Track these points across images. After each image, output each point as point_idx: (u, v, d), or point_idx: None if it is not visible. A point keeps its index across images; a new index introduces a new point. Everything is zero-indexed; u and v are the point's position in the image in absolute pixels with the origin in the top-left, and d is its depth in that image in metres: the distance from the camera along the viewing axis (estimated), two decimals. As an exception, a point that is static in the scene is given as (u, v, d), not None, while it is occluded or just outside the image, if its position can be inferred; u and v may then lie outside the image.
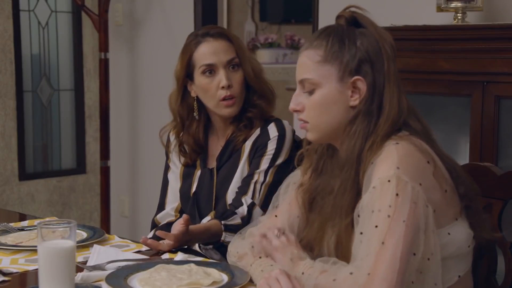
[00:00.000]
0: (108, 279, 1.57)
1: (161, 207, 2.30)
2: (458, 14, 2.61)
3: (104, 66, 4.15)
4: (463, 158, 2.47)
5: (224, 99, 2.14)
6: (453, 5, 2.61)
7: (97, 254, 1.80)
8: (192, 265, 1.63)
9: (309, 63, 1.59)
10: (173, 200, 2.28)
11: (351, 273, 1.38)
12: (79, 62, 4.60)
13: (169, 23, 4.16)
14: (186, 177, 2.25)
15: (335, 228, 1.57)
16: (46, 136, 4.57)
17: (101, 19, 4.10)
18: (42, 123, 4.54)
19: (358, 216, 1.46)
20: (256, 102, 2.19)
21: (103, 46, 4.13)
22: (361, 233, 1.42)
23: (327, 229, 1.60)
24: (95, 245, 1.88)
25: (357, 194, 1.53)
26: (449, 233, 1.50)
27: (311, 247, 1.65)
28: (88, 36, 4.59)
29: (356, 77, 1.55)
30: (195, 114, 2.21)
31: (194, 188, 2.22)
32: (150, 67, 4.31)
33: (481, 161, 2.31)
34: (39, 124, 4.52)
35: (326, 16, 3.26)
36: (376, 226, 1.39)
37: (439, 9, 2.66)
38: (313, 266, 1.48)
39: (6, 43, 4.24)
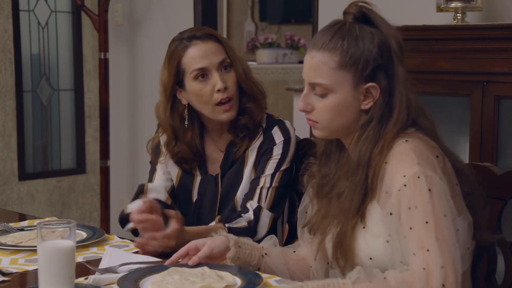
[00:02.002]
0: (120, 282, 1.56)
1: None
2: (458, 14, 2.61)
3: (104, 66, 4.15)
4: (463, 158, 2.45)
5: (220, 102, 2.05)
6: (453, 5, 2.61)
7: (109, 257, 1.78)
8: (206, 268, 1.61)
9: (323, 68, 1.55)
10: (161, 190, 2.17)
11: (423, 268, 1.38)
12: (79, 62, 4.60)
13: (169, 23, 4.16)
14: (184, 182, 2.18)
15: (338, 227, 1.57)
16: (46, 136, 4.57)
17: (100, 19, 4.10)
18: (42, 123, 4.54)
19: (391, 214, 1.46)
20: (246, 106, 2.11)
21: (103, 46, 4.13)
22: (411, 228, 1.42)
23: (331, 227, 1.60)
24: (107, 248, 1.86)
25: (364, 197, 1.53)
26: (458, 229, 1.50)
27: (314, 231, 1.66)
28: (88, 36, 4.59)
29: (370, 83, 1.54)
30: (186, 122, 2.12)
31: (195, 196, 2.16)
32: (150, 67, 4.31)
33: (481, 161, 2.30)
34: (39, 124, 4.52)
35: (326, 16, 3.26)
36: (427, 222, 1.40)
37: (439, 9, 2.66)
38: (342, 283, 1.42)
39: (6, 43, 4.24)
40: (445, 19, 2.73)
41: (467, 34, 2.48)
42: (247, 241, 1.75)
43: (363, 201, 1.53)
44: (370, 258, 1.52)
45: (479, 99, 2.41)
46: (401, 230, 1.44)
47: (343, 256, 1.56)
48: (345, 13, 1.59)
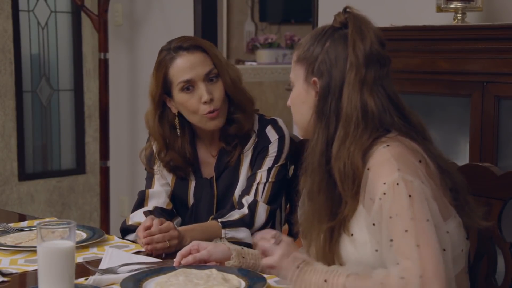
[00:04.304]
0: (124, 281, 1.56)
1: (141, 204, 2.18)
2: (458, 15, 2.61)
3: (103, 66, 4.15)
4: (463, 158, 2.47)
5: (208, 112, 2.05)
6: (453, 5, 2.61)
7: (110, 257, 1.78)
8: (214, 270, 1.62)
9: (292, 63, 1.65)
10: (162, 195, 2.17)
11: (402, 278, 1.37)
12: (78, 62, 4.60)
13: (169, 23, 4.16)
14: (179, 187, 2.18)
15: (317, 233, 1.57)
16: (46, 136, 4.57)
17: (100, 19, 4.10)
18: (42, 123, 4.54)
19: (374, 224, 1.46)
20: (234, 116, 2.10)
21: (103, 46, 4.13)
22: (391, 240, 1.41)
23: (314, 232, 1.60)
24: (107, 248, 1.87)
25: (338, 199, 1.53)
26: (447, 231, 1.50)
27: (304, 235, 1.66)
28: (87, 36, 4.59)
29: (314, 78, 1.57)
30: (177, 130, 2.11)
31: (191, 200, 2.17)
32: (150, 67, 4.26)
33: (481, 161, 2.31)
34: (38, 124, 4.52)
35: (326, 16, 3.26)
36: (406, 231, 1.39)
37: (439, 9, 2.66)
38: (336, 271, 1.45)
39: (5, 43, 4.24)
40: (445, 19, 2.73)
41: (467, 34, 2.48)
42: (251, 251, 1.76)
43: (338, 207, 1.53)
44: (362, 266, 1.52)
45: (479, 99, 2.41)
46: (386, 240, 1.43)
47: (326, 263, 1.55)
48: (334, 19, 1.62)
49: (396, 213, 1.41)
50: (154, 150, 2.17)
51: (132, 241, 1.99)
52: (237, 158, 2.13)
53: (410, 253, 1.38)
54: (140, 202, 2.17)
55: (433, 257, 1.37)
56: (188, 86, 2.05)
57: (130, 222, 2.10)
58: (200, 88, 2.05)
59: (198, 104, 2.05)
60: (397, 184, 1.42)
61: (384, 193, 1.43)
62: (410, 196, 1.41)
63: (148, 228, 1.88)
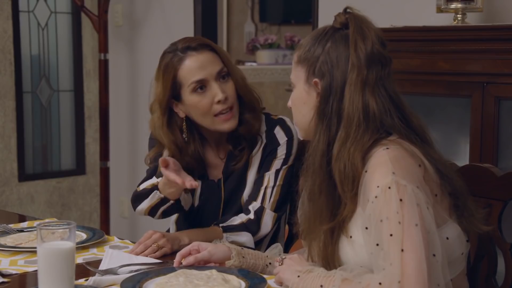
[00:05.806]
0: (124, 282, 1.56)
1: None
2: (458, 15, 2.61)
3: (103, 67, 4.15)
4: (463, 159, 2.47)
5: (221, 113, 2.01)
6: (453, 6, 2.61)
7: (110, 258, 1.79)
8: (214, 271, 1.62)
9: (292, 64, 1.65)
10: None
11: (380, 284, 1.37)
12: (78, 63, 4.60)
13: (169, 23, 4.16)
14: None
15: (317, 234, 1.57)
16: (46, 137, 4.57)
17: (100, 20, 4.10)
18: (42, 124, 4.54)
19: (366, 228, 1.46)
20: (244, 116, 2.06)
21: (103, 46, 4.13)
22: (377, 244, 1.41)
23: (315, 234, 1.60)
24: (107, 249, 1.87)
25: (338, 200, 1.53)
26: (447, 238, 1.49)
27: (304, 236, 1.66)
28: (87, 37, 4.59)
29: (315, 79, 1.57)
30: (184, 136, 2.05)
31: (196, 201, 2.14)
32: (150, 68, 4.27)
33: (481, 162, 2.30)
34: (38, 125, 4.52)
35: (326, 17, 3.25)
36: (391, 235, 1.39)
37: (439, 10, 2.66)
38: (332, 275, 1.48)
39: (5, 44, 4.24)
40: (445, 20, 2.73)
41: (467, 35, 2.47)
42: (251, 251, 1.77)
43: (338, 208, 1.53)
44: (361, 267, 1.52)
45: (479, 100, 2.40)
46: (374, 244, 1.43)
47: (327, 265, 1.56)
48: (334, 19, 1.61)
49: (387, 216, 1.41)
50: (164, 154, 2.09)
51: (133, 242, 1.98)
52: (244, 162, 2.10)
53: (393, 257, 1.37)
54: (152, 172, 2.11)
55: (417, 262, 1.36)
56: (201, 86, 2.01)
57: (141, 188, 2.07)
58: (213, 88, 2.00)
59: (211, 104, 2.00)
60: (389, 187, 1.42)
61: (376, 196, 1.43)
62: (401, 200, 1.40)
63: (166, 163, 1.89)
